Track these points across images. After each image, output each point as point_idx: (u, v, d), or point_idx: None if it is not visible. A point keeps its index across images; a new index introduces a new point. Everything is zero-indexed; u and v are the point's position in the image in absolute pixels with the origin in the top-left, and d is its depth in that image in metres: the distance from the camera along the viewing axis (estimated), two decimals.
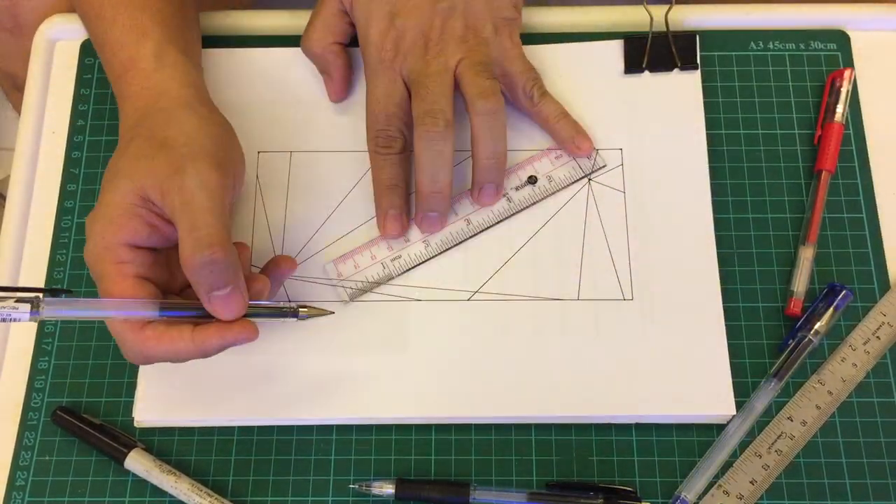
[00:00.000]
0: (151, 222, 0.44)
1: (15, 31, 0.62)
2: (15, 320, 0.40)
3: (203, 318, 0.43)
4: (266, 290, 0.46)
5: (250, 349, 0.50)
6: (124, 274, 0.43)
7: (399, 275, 0.51)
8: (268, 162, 0.54)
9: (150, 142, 0.44)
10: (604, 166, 0.53)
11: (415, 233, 0.52)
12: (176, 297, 0.45)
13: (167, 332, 0.43)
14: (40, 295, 0.41)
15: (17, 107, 0.65)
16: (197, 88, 0.48)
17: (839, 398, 0.49)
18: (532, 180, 0.53)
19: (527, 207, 0.53)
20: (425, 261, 0.52)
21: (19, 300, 0.40)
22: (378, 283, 0.51)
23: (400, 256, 0.52)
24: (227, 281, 0.42)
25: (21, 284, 0.53)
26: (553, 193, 0.53)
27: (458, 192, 0.53)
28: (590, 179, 0.54)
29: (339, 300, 0.51)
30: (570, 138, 0.53)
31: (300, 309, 0.46)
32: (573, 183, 0.53)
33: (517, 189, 0.53)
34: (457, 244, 0.52)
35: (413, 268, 0.52)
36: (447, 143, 0.49)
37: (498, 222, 0.53)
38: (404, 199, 0.52)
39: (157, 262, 0.45)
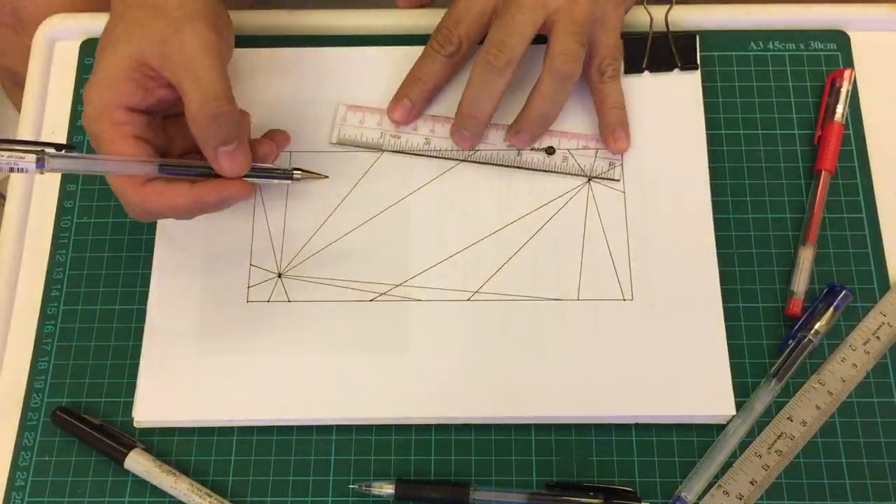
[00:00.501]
0: (147, 86, 0.45)
1: (16, 27, 0.62)
2: (21, 170, 0.42)
3: (201, 177, 0.45)
4: (272, 153, 0.48)
5: (250, 349, 0.50)
6: (123, 134, 0.44)
7: (392, 151, 0.53)
8: None
9: (142, 9, 0.45)
10: (617, 180, 0.53)
11: (423, 125, 0.54)
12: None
13: (167, 189, 0.45)
14: (46, 149, 0.43)
15: (18, 104, 0.65)
16: None
17: (839, 398, 0.49)
18: (550, 151, 0.53)
19: (528, 170, 0.53)
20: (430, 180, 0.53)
21: (25, 151, 0.42)
22: (368, 147, 0.53)
23: (399, 137, 0.53)
24: (234, 136, 0.45)
25: (21, 285, 0.53)
26: (557, 173, 0.53)
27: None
28: (590, 179, 0.54)
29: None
30: (614, 128, 0.53)
31: (295, 171, 0.48)
32: (579, 176, 0.53)
33: (533, 149, 0.53)
34: (450, 161, 0.54)
35: (401, 152, 0.53)
36: (502, 79, 0.50)
37: (490, 164, 0.54)
38: (423, 96, 0.53)
39: (154, 127, 0.46)
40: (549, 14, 0.49)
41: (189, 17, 0.44)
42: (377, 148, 0.52)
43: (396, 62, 0.56)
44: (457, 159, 0.54)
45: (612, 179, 0.53)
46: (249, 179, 0.47)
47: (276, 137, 0.50)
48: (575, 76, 0.50)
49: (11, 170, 0.42)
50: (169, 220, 0.53)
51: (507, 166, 0.54)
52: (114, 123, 0.44)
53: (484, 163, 0.54)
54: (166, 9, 0.45)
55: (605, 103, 0.53)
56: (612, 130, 0.53)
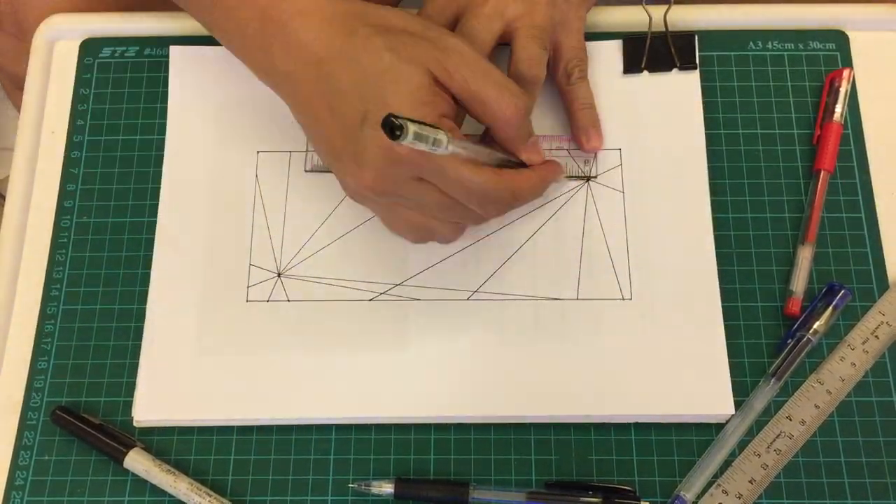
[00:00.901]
0: (447, 98, 0.44)
1: (18, 34, 0.63)
2: (436, 148, 0.38)
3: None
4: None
5: (250, 348, 0.50)
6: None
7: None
8: (268, 162, 0.54)
9: (392, 34, 0.43)
10: (595, 176, 0.53)
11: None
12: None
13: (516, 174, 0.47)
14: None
15: (19, 106, 0.65)
16: None
17: (838, 397, 0.49)
18: None
19: None
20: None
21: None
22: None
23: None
24: (530, 128, 0.47)
25: (21, 284, 0.53)
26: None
27: None
28: (589, 179, 0.54)
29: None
30: (585, 129, 0.53)
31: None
32: (579, 176, 0.54)
33: None
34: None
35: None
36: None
37: None
38: None
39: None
40: (507, 22, 0.50)
41: (438, 31, 0.44)
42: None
43: None
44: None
45: (584, 177, 0.53)
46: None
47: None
48: (539, 80, 0.50)
49: (433, 146, 0.38)
50: (168, 218, 0.53)
51: None
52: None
53: None
54: (413, 30, 0.44)
55: (574, 104, 0.53)
56: (584, 131, 0.53)
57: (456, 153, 0.41)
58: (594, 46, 0.57)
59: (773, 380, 0.49)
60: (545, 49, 0.50)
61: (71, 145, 0.56)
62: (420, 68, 0.43)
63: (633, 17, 0.57)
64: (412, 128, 0.36)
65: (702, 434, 0.49)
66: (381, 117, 0.37)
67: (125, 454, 0.48)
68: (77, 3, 0.60)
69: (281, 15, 0.45)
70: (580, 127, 0.53)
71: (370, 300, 0.51)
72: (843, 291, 0.51)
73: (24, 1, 0.61)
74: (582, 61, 0.53)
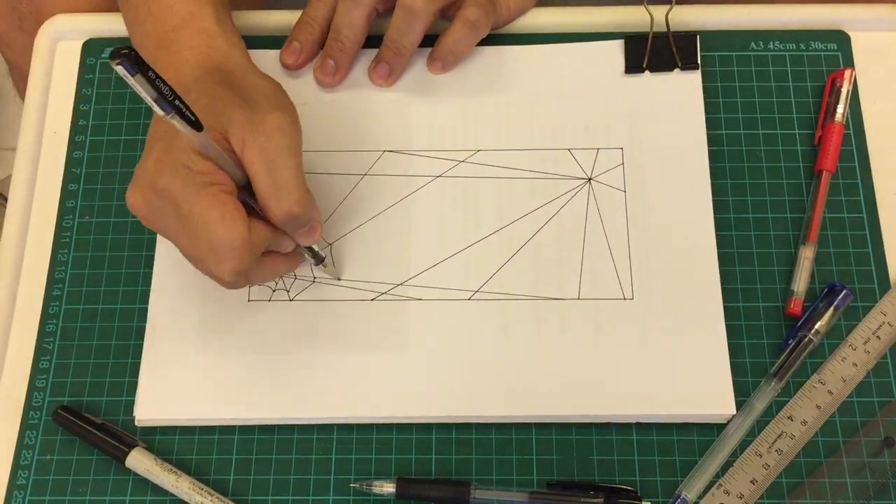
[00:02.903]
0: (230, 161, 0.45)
1: (35, 32, 0.62)
2: None
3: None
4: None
5: (251, 348, 0.50)
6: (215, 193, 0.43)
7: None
8: None
9: (229, 93, 0.45)
10: (596, 176, 0.54)
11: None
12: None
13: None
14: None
15: None
16: (251, 61, 0.50)
17: (840, 398, 0.49)
18: None
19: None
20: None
21: None
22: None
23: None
24: (306, 222, 0.46)
25: (23, 284, 0.53)
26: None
27: None
28: (590, 179, 0.54)
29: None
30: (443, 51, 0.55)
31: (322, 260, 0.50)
32: (580, 177, 0.54)
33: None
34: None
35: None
36: (422, 23, 0.53)
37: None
38: (313, 37, 0.55)
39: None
40: None
41: (275, 112, 0.44)
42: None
43: None
44: (457, 160, 0.54)
45: (585, 177, 0.54)
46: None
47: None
48: (425, 13, 0.52)
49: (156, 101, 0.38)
50: None
51: (508, 167, 0.54)
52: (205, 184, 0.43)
53: (484, 164, 0.54)
54: (254, 99, 0.45)
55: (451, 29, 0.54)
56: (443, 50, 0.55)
57: (180, 132, 0.40)
58: (596, 46, 0.57)
59: (774, 380, 0.49)
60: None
61: (73, 145, 0.56)
62: (218, 123, 0.43)
63: (634, 17, 0.57)
64: (138, 73, 0.36)
65: (703, 434, 0.49)
66: (165, 148, 0.43)
67: (127, 454, 0.48)
68: (96, 3, 0.60)
69: (176, 44, 0.49)
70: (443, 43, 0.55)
71: (371, 300, 0.51)
72: (844, 292, 0.51)
73: (45, 1, 0.61)
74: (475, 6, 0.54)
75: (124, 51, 0.35)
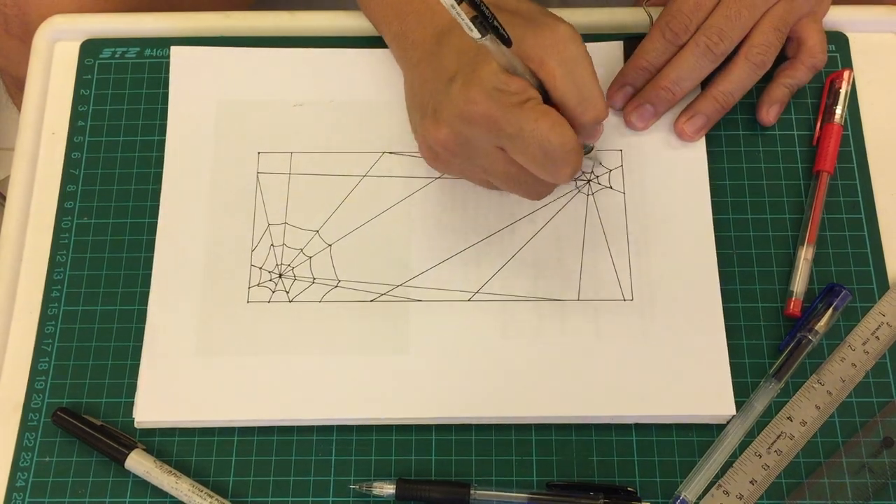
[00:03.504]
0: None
1: (25, 38, 0.62)
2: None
3: None
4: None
5: (251, 349, 0.50)
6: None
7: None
8: (268, 162, 0.54)
9: (507, 14, 0.44)
10: (596, 177, 0.54)
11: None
12: None
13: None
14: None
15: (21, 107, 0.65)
16: None
17: (839, 398, 0.49)
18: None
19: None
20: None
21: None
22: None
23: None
24: (601, 127, 0.48)
25: (21, 285, 0.53)
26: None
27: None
28: (589, 180, 0.54)
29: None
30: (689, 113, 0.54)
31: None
32: (579, 177, 0.54)
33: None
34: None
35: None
36: (712, 66, 0.52)
37: None
38: (640, 85, 0.54)
39: None
40: (769, 6, 0.52)
41: (554, 25, 0.45)
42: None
43: (392, 63, 0.56)
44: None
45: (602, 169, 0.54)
46: None
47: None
48: (762, 66, 0.52)
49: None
50: (168, 219, 0.53)
51: None
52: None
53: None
54: (527, 15, 0.45)
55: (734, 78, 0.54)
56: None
57: (493, 51, 0.41)
58: (595, 47, 0.57)
59: (773, 380, 0.49)
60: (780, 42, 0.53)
61: (71, 146, 0.56)
62: (514, 48, 0.43)
63: (634, 19, 0.57)
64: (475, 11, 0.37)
65: (703, 435, 0.49)
66: (467, 79, 0.42)
67: (126, 455, 0.48)
68: (82, 4, 0.60)
69: None
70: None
71: (371, 301, 0.51)
72: (843, 292, 0.51)
73: (30, 3, 0.61)
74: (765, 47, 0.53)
75: None
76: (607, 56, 0.56)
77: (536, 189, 0.48)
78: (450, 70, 0.45)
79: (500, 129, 0.43)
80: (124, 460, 0.48)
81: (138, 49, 0.58)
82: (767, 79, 0.55)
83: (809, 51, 0.54)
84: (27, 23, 0.61)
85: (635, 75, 0.54)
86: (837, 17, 0.58)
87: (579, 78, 0.44)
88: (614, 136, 0.55)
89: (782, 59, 0.55)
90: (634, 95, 0.54)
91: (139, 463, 0.48)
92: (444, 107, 0.45)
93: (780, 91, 0.54)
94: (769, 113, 0.55)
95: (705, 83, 0.54)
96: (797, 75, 0.54)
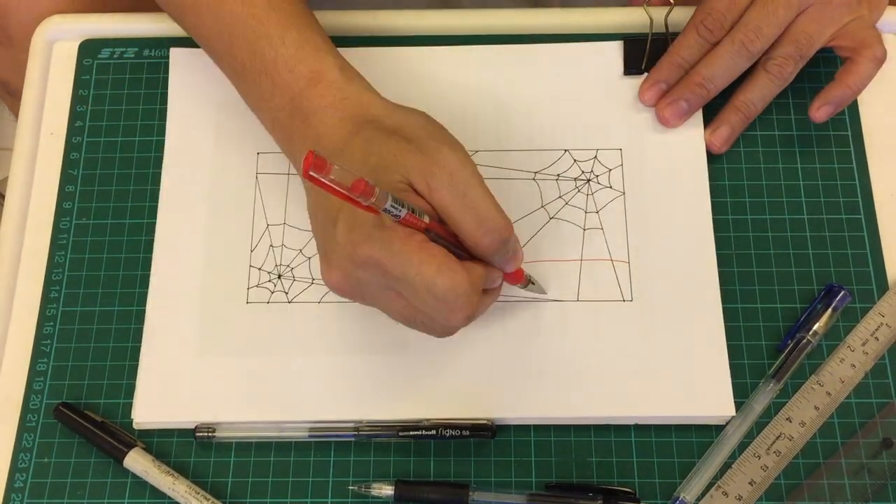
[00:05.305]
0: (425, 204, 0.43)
1: (5, 42, 0.62)
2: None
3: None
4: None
5: (250, 350, 0.50)
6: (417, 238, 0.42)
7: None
8: (268, 162, 0.54)
9: (391, 140, 0.43)
10: (595, 177, 0.54)
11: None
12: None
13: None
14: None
15: (13, 110, 0.65)
16: (383, 98, 0.48)
17: (838, 399, 0.49)
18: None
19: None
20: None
21: None
22: None
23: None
24: (512, 246, 0.45)
25: (20, 286, 0.53)
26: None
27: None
28: (589, 180, 0.54)
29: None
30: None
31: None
32: (579, 177, 0.54)
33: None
34: None
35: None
36: (747, 64, 0.52)
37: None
38: (674, 82, 0.54)
39: None
40: (801, 8, 0.52)
41: (445, 146, 0.43)
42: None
43: (390, 62, 0.56)
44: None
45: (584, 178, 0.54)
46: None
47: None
48: (784, 79, 0.53)
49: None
50: (167, 220, 0.53)
51: (507, 168, 0.54)
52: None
53: (483, 164, 0.54)
54: (417, 137, 0.43)
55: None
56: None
57: (385, 210, 0.39)
58: (595, 47, 0.57)
59: (773, 381, 0.49)
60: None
61: (70, 146, 0.56)
62: (398, 176, 0.42)
63: (633, 19, 0.57)
64: (336, 168, 0.36)
65: (702, 436, 0.49)
66: (349, 220, 0.41)
67: (126, 453, 0.48)
68: (64, 9, 0.59)
69: (308, 106, 0.46)
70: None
71: None
72: (842, 293, 0.51)
73: (11, 8, 0.61)
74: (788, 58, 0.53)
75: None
76: (607, 56, 0.56)
77: (441, 328, 0.45)
78: (334, 206, 0.42)
79: (386, 273, 0.41)
80: (123, 458, 0.48)
81: (137, 49, 0.58)
82: None
83: (863, 42, 0.53)
84: (7, 27, 0.61)
85: (669, 72, 0.54)
86: None
87: (472, 201, 0.42)
88: (613, 135, 0.54)
89: None
90: (667, 93, 0.54)
91: (138, 462, 0.48)
92: (332, 249, 0.43)
93: (837, 91, 0.53)
94: (819, 111, 0.53)
95: (727, 96, 0.54)
96: (857, 69, 0.53)
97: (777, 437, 0.48)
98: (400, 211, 0.39)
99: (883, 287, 0.52)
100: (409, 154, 0.42)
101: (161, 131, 0.56)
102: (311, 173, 0.36)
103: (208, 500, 0.47)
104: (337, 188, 0.37)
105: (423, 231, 0.41)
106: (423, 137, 0.43)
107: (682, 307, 0.50)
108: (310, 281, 0.52)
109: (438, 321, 0.43)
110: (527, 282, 0.49)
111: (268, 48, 0.48)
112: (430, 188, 0.41)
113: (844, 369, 0.50)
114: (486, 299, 0.45)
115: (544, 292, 0.51)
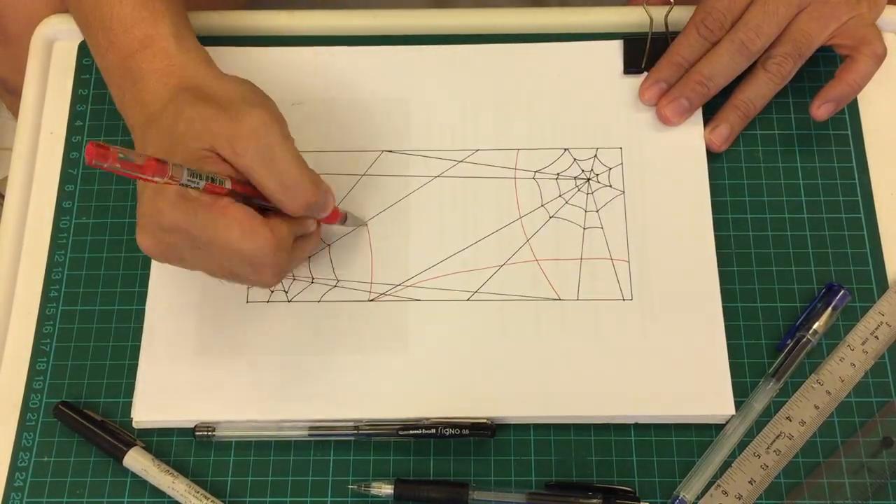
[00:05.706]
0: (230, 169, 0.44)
1: (2, 40, 0.62)
2: None
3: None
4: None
5: (249, 349, 0.50)
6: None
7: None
8: None
9: (204, 107, 0.43)
10: (595, 176, 0.54)
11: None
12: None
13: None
14: None
15: (12, 109, 0.65)
16: (215, 68, 0.49)
17: (838, 398, 0.49)
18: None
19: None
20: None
21: None
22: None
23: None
24: (326, 205, 0.46)
25: (19, 285, 0.53)
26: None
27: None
28: (589, 179, 0.54)
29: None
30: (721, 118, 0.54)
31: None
32: (579, 177, 0.54)
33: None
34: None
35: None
36: (746, 63, 0.53)
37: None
38: (674, 81, 0.54)
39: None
40: (800, 6, 0.52)
41: (256, 111, 0.43)
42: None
43: (390, 62, 0.56)
44: (455, 160, 0.54)
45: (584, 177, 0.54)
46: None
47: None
48: (783, 77, 0.53)
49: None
50: None
51: (506, 167, 0.54)
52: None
53: (482, 164, 0.54)
54: (229, 103, 0.44)
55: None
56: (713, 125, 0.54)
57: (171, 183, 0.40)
58: (594, 46, 0.57)
59: (772, 380, 0.49)
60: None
61: (70, 146, 0.56)
62: (203, 143, 0.42)
63: (633, 18, 0.57)
64: (119, 154, 0.37)
65: (702, 435, 0.49)
66: (155, 186, 0.41)
67: (125, 452, 0.48)
68: (60, 6, 0.59)
69: (137, 69, 0.47)
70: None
71: (370, 301, 0.51)
72: (842, 292, 0.51)
73: (7, 6, 0.61)
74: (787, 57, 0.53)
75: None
76: (607, 56, 0.56)
77: (258, 284, 0.46)
78: None
79: (194, 238, 0.42)
80: (123, 457, 0.48)
81: None
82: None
83: (863, 40, 0.53)
84: (3, 25, 0.61)
85: (669, 71, 0.54)
86: None
87: (278, 165, 0.42)
88: (613, 134, 0.55)
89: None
90: (667, 92, 0.54)
91: (138, 461, 0.48)
92: (142, 213, 0.43)
93: (837, 88, 0.53)
94: (820, 109, 0.53)
95: (727, 95, 0.54)
96: (857, 67, 0.53)
97: (777, 436, 0.48)
98: (198, 183, 0.40)
99: (883, 286, 0.52)
100: (218, 120, 0.43)
101: None
102: (95, 163, 0.36)
103: (208, 498, 0.47)
104: (128, 171, 0.37)
105: (226, 196, 0.42)
106: (237, 103, 0.44)
107: (681, 306, 0.50)
108: (310, 280, 0.52)
109: (252, 279, 0.45)
110: (343, 218, 0.50)
111: (107, 5, 0.48)
112: (236, 153, 0.42)
113: (844, 368, 0.50)
114: (304, 245, 0.47)
115: (364, 223, 0.52)
